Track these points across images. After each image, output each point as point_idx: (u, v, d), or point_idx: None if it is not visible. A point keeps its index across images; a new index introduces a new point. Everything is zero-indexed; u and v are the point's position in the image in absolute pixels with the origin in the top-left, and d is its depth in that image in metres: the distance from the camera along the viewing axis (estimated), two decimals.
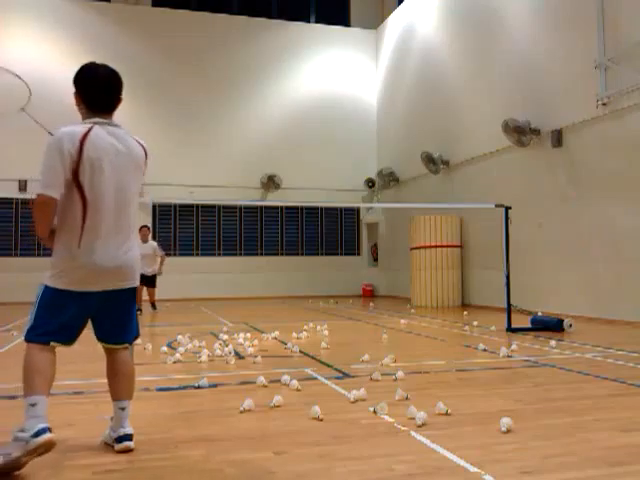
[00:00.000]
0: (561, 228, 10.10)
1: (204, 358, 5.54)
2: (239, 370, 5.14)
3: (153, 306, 11.96)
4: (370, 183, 17.90)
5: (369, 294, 17.64)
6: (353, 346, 6.75)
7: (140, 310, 11.06)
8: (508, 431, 3.14)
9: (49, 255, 2.84)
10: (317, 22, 18.49)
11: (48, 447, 2.54)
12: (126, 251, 2.82)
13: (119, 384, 2.94)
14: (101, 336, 2.95)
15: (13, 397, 4.07)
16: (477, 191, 12.46)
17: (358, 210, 18.40)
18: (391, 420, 3.41)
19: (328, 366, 5.28)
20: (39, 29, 15.80)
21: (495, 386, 4.43)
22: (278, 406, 3.72)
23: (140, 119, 15.98)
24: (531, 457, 2.76)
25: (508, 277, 8.12)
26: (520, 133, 10.75)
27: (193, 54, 16.96)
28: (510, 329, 7.87)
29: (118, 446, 2.82)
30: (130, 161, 2.84)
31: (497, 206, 8.35)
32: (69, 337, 2.84)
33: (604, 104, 9.09)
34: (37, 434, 2.50)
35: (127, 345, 3.00)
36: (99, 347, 3.04)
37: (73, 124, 2.80)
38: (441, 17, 14.53)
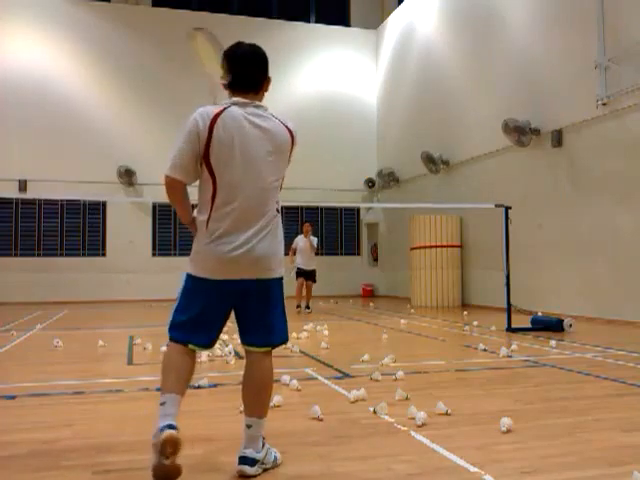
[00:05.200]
0: (561, 228, 10.10)
1: (204, 358, 5.53)
2: (239, 370, 5.09)
3: (307, 306, 11.66)
4: (370, 183, 17.89)
5: (369, 294, 17.63)
6: (353, 346, 6.75)
7: (308, 307, 11.57)
8: (508, 431, 3.14)
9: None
10: (317, 22, 18.48)
11: (172, 444, 2.29)
12: (261, 239, 2.61)
13: (247, 395, 2.64)
14: (241, 335, 2.69)
15: (13, 397, 4.07)
16: (477, 191, 12.45)
17: (358, 210, 18.39)
18: (391, 420, 3.40)
19: (328, 366, 5.28)
20: (39, 29, 15.78)
21: (495, 386, 4.43)
22: (278, 406, 3.72)
23: (140, 119, 16.08)
24: (531, 457, 2.76)
25: (508, 277, 8.12)
26: (520, 133, 10.75)
27: (193, 54, 16.93)
28: (510, 329, 7.87)
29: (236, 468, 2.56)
30: (265, 143, 2.63)
31: (497, 206, 8.35)
32: (207, 336, 2.64)
33: (604, 104, 9.09)
34: (159, 433, 2.33)
35: (269, 349, 2.67)
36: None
37: (213, 105, 2.67)
38: (441, 17, 14.53)
